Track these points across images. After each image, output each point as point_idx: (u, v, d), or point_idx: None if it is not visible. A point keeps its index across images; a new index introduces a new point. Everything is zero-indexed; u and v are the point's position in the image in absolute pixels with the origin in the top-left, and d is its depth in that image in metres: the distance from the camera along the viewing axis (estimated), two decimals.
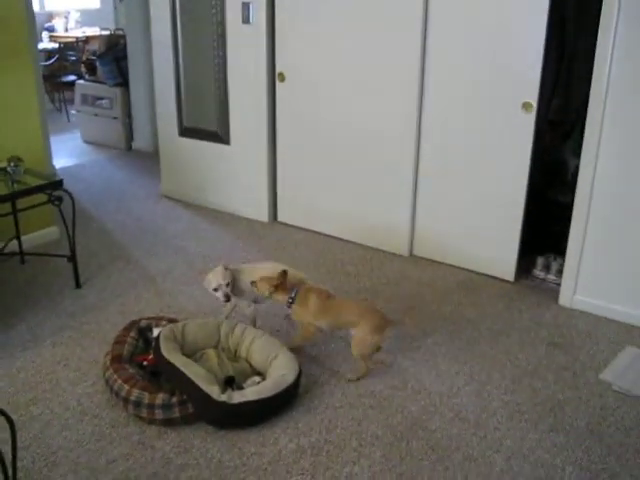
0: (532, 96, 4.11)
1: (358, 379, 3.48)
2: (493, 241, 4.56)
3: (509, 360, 3.70)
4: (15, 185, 4.17)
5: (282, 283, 3.54)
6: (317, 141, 5.17)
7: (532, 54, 4.05)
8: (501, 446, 3.03)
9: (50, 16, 10.93)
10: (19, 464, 2.51)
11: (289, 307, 3.56)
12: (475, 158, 4.48)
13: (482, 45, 4.25)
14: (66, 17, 11.04)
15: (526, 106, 4.13)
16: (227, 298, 3.64)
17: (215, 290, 3.63)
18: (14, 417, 2.34)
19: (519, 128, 4.22)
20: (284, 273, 3.56)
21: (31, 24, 5.50)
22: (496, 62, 4.22)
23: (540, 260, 4.60)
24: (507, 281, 4.58)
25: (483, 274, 4.67)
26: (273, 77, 5.23)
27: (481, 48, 4.26)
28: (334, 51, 4.85)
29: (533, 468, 2.89)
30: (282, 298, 3.55)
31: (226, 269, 3.66)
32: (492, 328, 4.02)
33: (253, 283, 3.60)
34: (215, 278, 3.63)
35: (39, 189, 4.20)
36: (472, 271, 4.72)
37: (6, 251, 4.58)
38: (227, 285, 3.62)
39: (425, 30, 4.41)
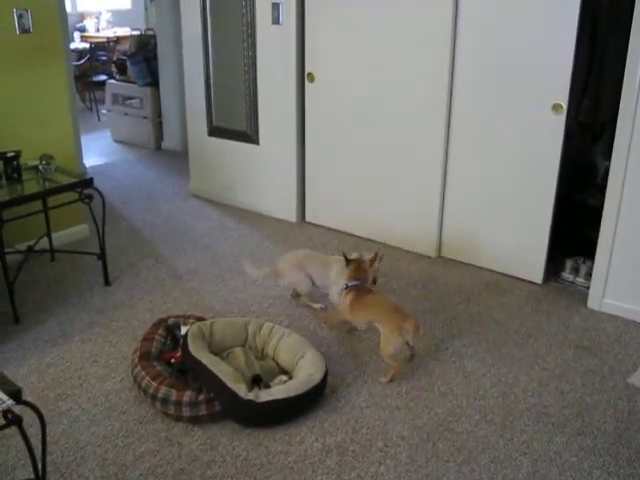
0: (562, 97, 4.08)
1: (391, 380, 3.47)
2: (521, 243, 4.53)
3: (536, 363, 3.67)
4: (46, 183, 4.22)
5: (357, 269, 3.73)
6: (346, 142, 5.17)
7: (562, 54, 4.02)
8: (528, 449, 3.01)
9: (82, 16, 11.05)
10: (48, 458, 2.54)
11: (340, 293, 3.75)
12: (504, 159, 4.46)
13: (512, 45, 4.23)
14: (97, 17, 11.16)
15: (556, 107, 4.10)
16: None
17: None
18: (43, 412, 2.37)
19: (549, 130, 4.20)
20: (375, 256, 3.85)
21: (63, 24, 5.56)
22: (526, 62, 4.19)
23: (569, 263, 4.56)
24: (535, 283, 4.55)
25: (511, 276, 4.64)
26: (302, 77, 5.24)
27: (511, 48, 4.24)
28: (363, 51, 4.85)
29: (560, 472, 2.88)
30: (346, 275, 3.75)
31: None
32: (520, 330, 4.00)
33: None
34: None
35: (70, 187, 4.24)
36: (500, 273, 4.69)
37: (37, 248, 4.62)
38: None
39: (455, 29, 4.39)
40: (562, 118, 4.11)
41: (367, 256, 3.88)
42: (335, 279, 3.98)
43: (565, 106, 4.08)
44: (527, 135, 4.31)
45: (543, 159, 4.28)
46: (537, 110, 4.20)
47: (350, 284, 3.68)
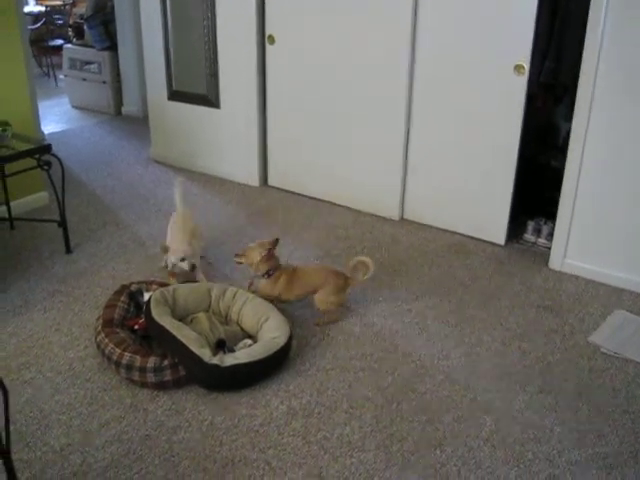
0: (524, 58, 4.08)
1: (326, 323, 3.66)
2: (484, 205, 4.56)
3: (499, 323, 3.72)
4: (3, 150, 4.13)
5: (273, 256, 3.71)
6: (307, 104, 5.14)
7: (525, 14, 4.01)
8: (490, 407, 3.05)
9: None
10: (12, 427, 2.51)
11: (262, 277, 3.71)
12: (466, 121, 4.46)
13: (475, 4, 4.21)
14: None
15: (518, 68, 4.10)
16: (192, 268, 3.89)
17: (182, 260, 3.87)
18: (6, 381, 2.34)
19: (511, 91, 4.20)
20: (276, 241, 3.73)
21: None
22: (488, 22, 4.18)
23: (531, 224, 4.61)
24: (498, 245, 4.59)
25: (474, 238, 4.68)
26: (263, 40, 5.17)
27: (474, 7, 4.22)
28: (325, 12, 4.79)
29: (522, 429, 2.93)
30: (262, 267, 3.68)
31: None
32: (482, 291, 4.04)
33: (237, 255, 3.78)
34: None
35: (27, 154, 4.16)
36: (463, 235, 4.73)
37: None
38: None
39: None
40: (524, 79, 4.12)
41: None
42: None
43: (527, 67, 4.08)
44: (489, 96, 4.31)
45: (505, 120, 4.29)
46: (499, 71, 4.20)
47: (272, 271, 3.68)
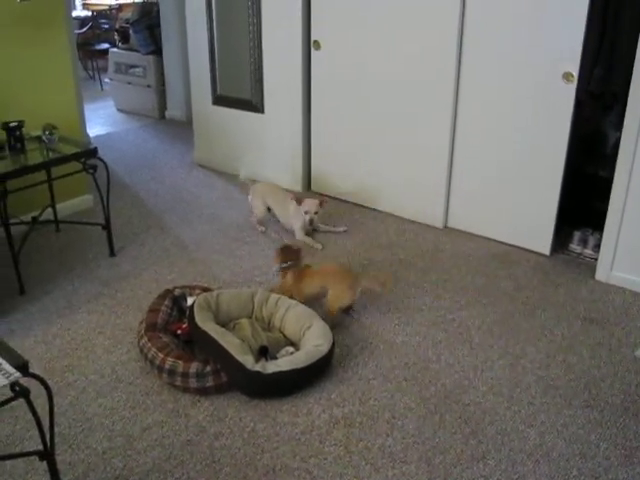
0: (573, 66, 4.01)
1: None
2: (529, 214, 4.50)
3: (544, 335, 3.66)
4: (50, 153, 4.19)
5: (286, 253, 3.89)
6: (352, 110, 5.12)
7: (575, 21, 3.94)
8: (535, 421, 3.00)
9: None
10: (56, 430, 2.52)
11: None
12: (513, 129, 4.40)
13: (524, 11, 4.15)
14: None
15: (567, 76, 4.04)
16: (311, 223, 4.70)
17: (306, 213, 4.65)
18: (50, 383, 2.36)
19: (559, 99, 4.14)
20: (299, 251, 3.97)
21: None
22: (537, 29, 4.12)
23: (577, 234, 4.53)
24: (543, 255, 4.53)
25: (519, 247, 4.62)
26: (308, 45, 5.17)
27: (522, 14, 4.16)
28: (371, 17, 4.77)
29: (567, 444, 2.87)
30: (276, 262, 3.91)
31: (320, 204, 4.70)
32: (527, 302, 3.98)
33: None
34: (309, 206, 4.65)
35: (74, 157, 4.20)
36: (507, 244, 4.66)
37: (41, 219, 4.59)
38: (315, 213, 4.66)
39: (464, 1, 4.32)
40: (573, 87, 4.05)
41: (315, 201, 4.70)
42: (293, 215, 4.78)
43: (576, 75, 4.01)
44: (537, 104, 4.25)
45: (553, 129, 4.23)
46: (547, 79, 4.14)
47: (283, 265, 3.84)
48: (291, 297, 3.69)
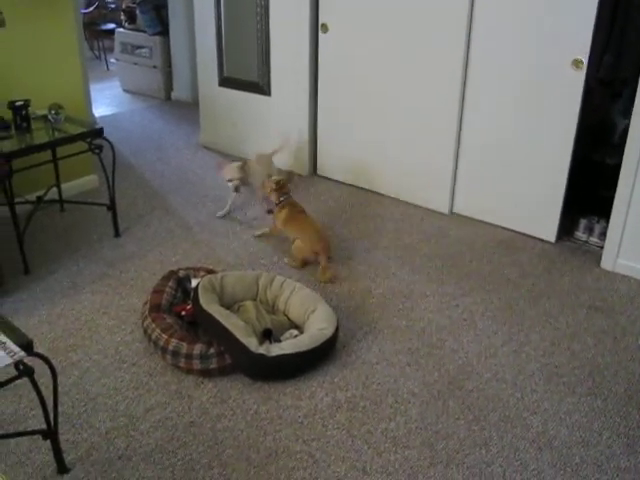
0: (583, 53, 3.98)
1: (289, 265, 4.17)
2: (535, 201, 4.48)
3: (548, 322, 3.65)
4: (56, 133, 4.17)
5: (284, 186, 4.32)
6: (359, 94, 5.09)
7: (585, 7, 3.92)
8: (538, 408, 3.00)
9: None
10: (59, 409, 2.54)
11: (276, 206, 4.33)
12: (520, 115, 4.38)
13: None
14: None
15: (576, 63, 4.01)
16: (237, 190, 4.62)
17: (229, 181, 4.59)
18: (54, 363, 2.37)
19: (568, 86, 4.11)
20: (291, 174, 4.53)
21: None
22: (547, 15, 4.08)
23: (583, 222, 4.51)
24: (548, 242, 4.51)
25: (524, 234, 4.60)
26: (316, 28, 5.14)
27: (530, 1, 4.13)
28: (380, 2, 4.74)
29: (570, 432, 2.87)
30: (274, 198, 4.31)
31: (241, 167, 4.62)
32: (532, 289, 3.97)
33: (262, 185, 4.47)
34: (231, 172, 4.60)
35: (80, 137, 4.19)
36: (513, 230, 4.65)
37: (46, 199, 4.58)
38: (239, 179, 4.61)
39: None
40: (582, 74, 4.02)
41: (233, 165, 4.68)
42: (253, 174, 4.74)
43: (585, 62, 3.98)
44: (545, 91, 4.22)
45: (561, 116, 4.20)
46: (556, 65, 4.11)
47: (282, 198, 4.29)
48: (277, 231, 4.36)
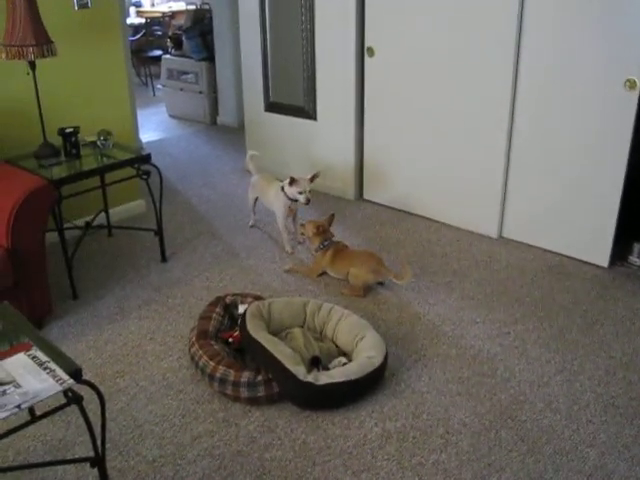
0: (636, 72, 3.89)
1: (348, 294, 4.09)
2: (587, 225, 4.38)
3: (603, 350, 3.55)
4: (104, 159, 4.21)
5: (325, 230, 4.28)
6: (405, 119, 5.06)
7: (638, 26, 3.84)
8: (594, 440, 2.90)
9: None
10: (106, 436, 2.52)
11: (316, 251, 4.30)
12: (571, 138, 4.30)
13: (584, 15, 4.04)
14: None
15: (629, 83, 3.93)
16: (308, 202, 4.49)
17: (300, 193, 4.46)
18: (101, 389, 2.35)
19: (620, 107, 4.02)
20: (331, 217, 4.39)
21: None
22: (598, 34, 4.01)
23: (637, 246, 4.40)
24: (601, 267, 4.40)
25: (575, 259, 4.50)
26: (362, 52, 5.13)
27: (583, 19, 4.05)
28: (426, 25, 4.71)
29: (629, 466, 2.76)
30: (316, 242, 4.28)
31: (312, 179, 4.53)
32: (585, 316, 3.87)
33: (302, 226, 4.42)
34: (302, 185, 4.46)
35: (128, 163, 4.22)
36: (564, 255, 4.55)
37: (94, 224, 4.63)
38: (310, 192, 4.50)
39: (523, 2, 4.23)
40: (635, 95, 3.93)
41: (307, 176, 4.54)
42: (273, 200, 4.69)
43: (639, 82, 3.90)
44: (597, 112, 4.14)
45: (613, 138, 4.11)
46: (608, 86, 4.03)
47: (326, 243, 4.25)
48: (320, 275, 4.28)
